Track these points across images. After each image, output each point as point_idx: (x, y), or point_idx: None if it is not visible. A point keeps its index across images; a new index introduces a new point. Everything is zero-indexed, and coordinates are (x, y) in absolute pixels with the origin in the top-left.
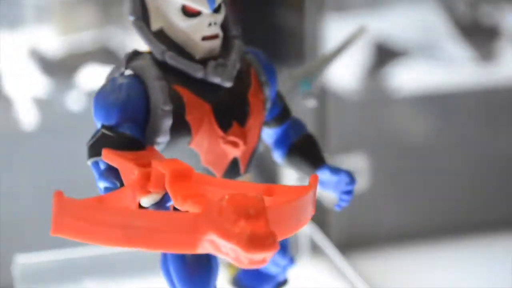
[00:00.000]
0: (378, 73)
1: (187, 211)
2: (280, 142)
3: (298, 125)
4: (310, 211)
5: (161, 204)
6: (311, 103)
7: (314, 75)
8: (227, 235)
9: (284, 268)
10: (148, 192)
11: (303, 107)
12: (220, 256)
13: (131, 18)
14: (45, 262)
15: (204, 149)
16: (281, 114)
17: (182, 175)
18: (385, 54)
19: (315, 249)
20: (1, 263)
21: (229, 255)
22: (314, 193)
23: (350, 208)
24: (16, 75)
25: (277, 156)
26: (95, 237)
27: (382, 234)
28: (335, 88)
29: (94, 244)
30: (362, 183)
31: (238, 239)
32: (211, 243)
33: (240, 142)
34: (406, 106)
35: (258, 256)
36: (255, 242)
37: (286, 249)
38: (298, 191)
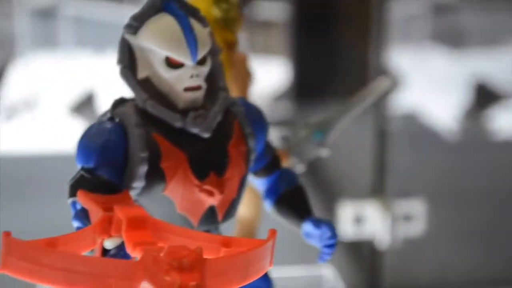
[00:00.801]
0: (476, 116)
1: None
2: (270, 192)
3: (289, 176)
4: (263, 265)
5: (122, 247)
6: (323, 153)
7: (330, 125)
8: (158, 285)
9: None
10: (109, 235)
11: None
12: None
13: (119, 66)
14: None
15: (179, 196)
16: (270, 165)
17: (137, 223)
18: (486, 96)
19: None
20: None
21: None
22: (269, 247)
23: (405, 252)
24: None
25: (267, 206)
26: (39, 278)
27: (435, 280)
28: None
29: (39, 284)
30: (419, 228)
31: None
32: None
33: (215, 191)
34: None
35: None
36: None
37: None
38: (253, 245)
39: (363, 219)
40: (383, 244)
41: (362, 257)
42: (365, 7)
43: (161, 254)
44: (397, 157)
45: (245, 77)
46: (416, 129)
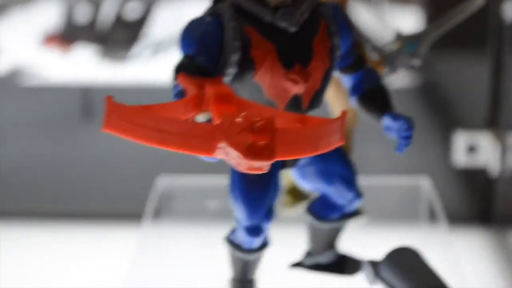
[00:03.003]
0: None
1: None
2: (355, 88)
3: (372, 76)
4: (333, 140)
5: (211, 121)
6: (415, 62)
7: (422, 38)
8: (232, 143)
9: (350, 201)
10: (201, 110)
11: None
12: (227, 161)
13: None
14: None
15: (267, 83)
16: (355, 64)
17: (224, 98)
18: None
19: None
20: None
21: (234, 161)
22: (338, 125)
23: None
24: None
25: (352, 101)
26: (135, 136)
27: None
28: None
29: (136, 141)
30: None
31: (239, 147)
32: (223, 150)
33: (300, 80)
34: None
35: (255, 163)
36: (253, 151)
37: (352, 183)
38: (324, 121)
39: (476, 148)
40: (494, 172)
41: (474, 185)
42: None
43: (237, 119)
44: None
45: None
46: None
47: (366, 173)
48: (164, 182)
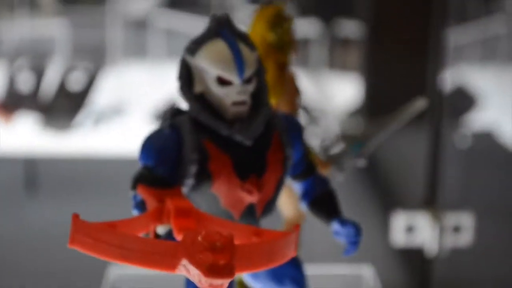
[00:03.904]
0: None
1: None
2: (305, 194)
3: (322, 182)
4: (287, 252)
5: (171, 233)
6: (361, 163)
7: (367, 139)
8: (193, 262)
9: None
10: (161, 222)
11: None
12: (190, 278)
13: (178, 82)
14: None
15: (223, 193)
16: (305, 171)
17: (183, 212)
18: None
19: None
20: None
21: (194, 278)
22: (293, 238)
23: (455, 262)
24: None
25: (302, 206)
26: (100, 252)
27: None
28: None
29: (100, 257)
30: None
31: (201, 266)
32: (184, 267)
33: (254, 190)
34: None
35: (215, 281)
36: (213, 270)
37: (301, 284)
38: (279, 235)
39: (414, 229)
40: (432, 252)
41: (413, 265)
42: (424, 32)
43: (199, 237)
44: (459, 173)
45: (294, 94)
46: (489, 147)
47: (308, 261)
48: (116, 270)
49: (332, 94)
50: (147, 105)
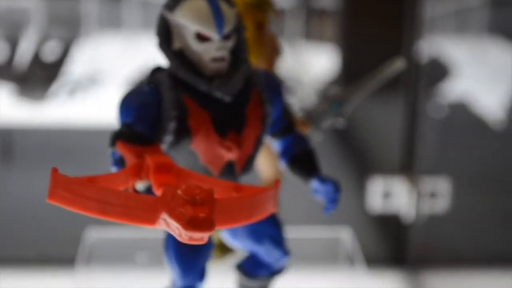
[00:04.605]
0: None
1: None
2: (284, 152)
3: (301, 140)
4: (267, 208)
5: (150, 189)
6: (340, 122)
7: (346, 99)
8: (173, 215)
9: (278, 260)
10: (140, 178)
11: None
12: (171, 232)
13: (157, 39)
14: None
15: (202, 150)
16: (285, 129)
17: (163, 168)
18: None
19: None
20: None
21: (175, 232)
22: (272, 194)
23: (431, 227)
24: None
25: (281, 164)
26: (78, 207)
27: (458, 256)
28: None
29: (78, 212)
30: (444, 205)
31: (180, 219)
32: (164, 221)
33: (234, 147)
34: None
35: (195, 235)
36: (193, 223)
37: (280, 243)
38: (258, 191)
39: (391, 194)
40: (409, 218)
41: (389, 230)
42: (400, 3)
43: (179, 191)
44: (434, 140)
45: (272, 54)
46: (463, 116)
47: (287, 224)
48: (93, 234)
49: (308, 65)
50: (122, 76)
